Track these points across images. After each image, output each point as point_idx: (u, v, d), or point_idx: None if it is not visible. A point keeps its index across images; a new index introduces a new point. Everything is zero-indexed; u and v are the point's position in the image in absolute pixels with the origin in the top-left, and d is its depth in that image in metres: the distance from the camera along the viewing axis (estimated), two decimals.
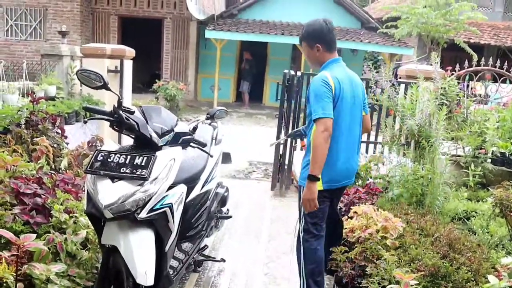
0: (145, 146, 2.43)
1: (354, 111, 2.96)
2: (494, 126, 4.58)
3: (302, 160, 3.02)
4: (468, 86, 6.04)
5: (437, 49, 13.10)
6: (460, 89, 5.13)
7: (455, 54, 14.52)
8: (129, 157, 2.31)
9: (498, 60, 6.26)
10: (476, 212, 3.95)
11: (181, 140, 2.64)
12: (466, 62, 6.36)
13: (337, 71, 2.91)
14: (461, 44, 13.52)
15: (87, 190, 2.29)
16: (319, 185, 2.80)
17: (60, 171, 3.98)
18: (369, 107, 5.60)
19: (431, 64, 5.12)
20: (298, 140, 5.53)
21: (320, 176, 2.75)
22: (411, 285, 2.38)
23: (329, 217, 3.06)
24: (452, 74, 5.39)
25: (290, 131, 3.48)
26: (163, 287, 2.51)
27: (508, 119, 5.00)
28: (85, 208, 2.30)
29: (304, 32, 2.99)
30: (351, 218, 3.44)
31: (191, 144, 2.73)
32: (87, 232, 2.78)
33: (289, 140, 5.68)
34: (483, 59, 6.49)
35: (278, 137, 5.62)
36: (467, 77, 6.13)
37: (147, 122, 2.44)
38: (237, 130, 10.59)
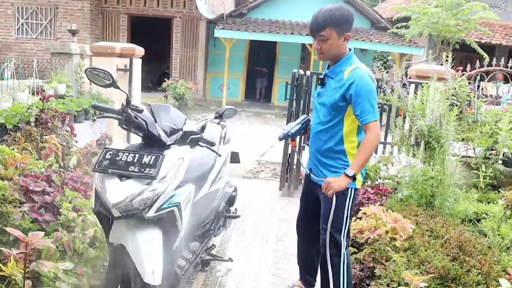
0: (154, 144, 2.42)
1: None
2: (506, 127, 4.52)
3: (330, 162, 2.68)
4: (479, 86, 5.97)
5: (448, 49, 12.98)
6: (471, 90, 5.07)
7: (466, 54, 14.40)
8: (137, 155, 2.30)
9: (510, 60, 6.19)
10: (486, 214, 3.91)
11: (189, 139, 2.63)
12: (477, 62, 6.29)
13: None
14: (472, 44, 13.39)
15: (95, 189, 2.28)
16: (359, 182, 2.66)
17: (69, 169, 4.00)
18: (378, 107, 5.62)
19: (442, 64, 5.07)
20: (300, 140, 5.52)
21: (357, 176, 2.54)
22: (421, 287, 2.35)
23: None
24: (463, 74, 5.33)
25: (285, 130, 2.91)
26: (170, 286, 2.51)
27: None
28: (93, 207, 2.29)
29: (333, 17, 2.46)
30: (360, 219, 3.42)
31: (200, 143, 2.72)
32: (95, 230, 2.79)
33: (297, 140, 5.64)
34: (494, 59, 6.42)
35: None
36: (478, 78, 6.06)
37: (155, 121, 2.43)
38: (245, 130, 10.58)
